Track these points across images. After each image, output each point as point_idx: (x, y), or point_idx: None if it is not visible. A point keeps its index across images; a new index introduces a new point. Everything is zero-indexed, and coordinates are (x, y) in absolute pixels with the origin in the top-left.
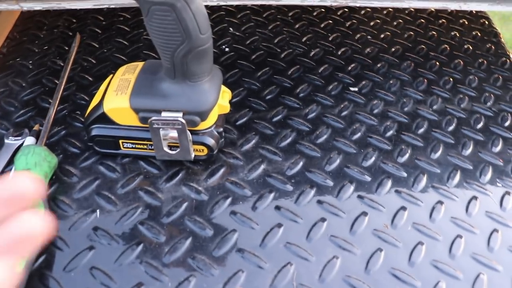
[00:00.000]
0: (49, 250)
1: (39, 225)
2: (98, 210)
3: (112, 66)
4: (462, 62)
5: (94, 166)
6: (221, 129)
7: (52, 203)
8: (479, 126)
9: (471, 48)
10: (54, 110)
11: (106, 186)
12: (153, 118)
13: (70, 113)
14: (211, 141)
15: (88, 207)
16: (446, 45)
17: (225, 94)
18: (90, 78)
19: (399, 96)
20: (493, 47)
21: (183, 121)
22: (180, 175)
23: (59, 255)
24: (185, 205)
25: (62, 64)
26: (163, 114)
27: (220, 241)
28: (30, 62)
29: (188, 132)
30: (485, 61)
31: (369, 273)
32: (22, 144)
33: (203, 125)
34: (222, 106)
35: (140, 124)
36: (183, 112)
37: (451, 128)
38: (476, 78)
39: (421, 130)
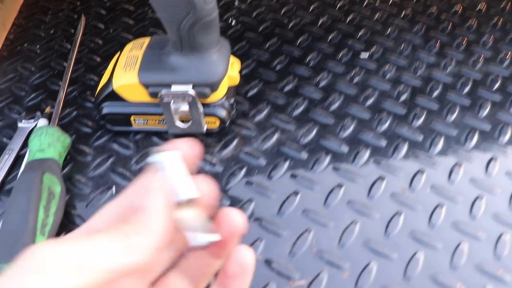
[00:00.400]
0: (67, 229)
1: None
2: (114, 187)
3: (119, 45)
4: (476, 22)
5: (108, 144)
6: (232, 100)
7: (68, 182)
8: (496, 87)
9: (485, 7)
10: (64, 92)
11: (120, 163)
12: (163, 92)
13: (80, 94)
14: (222, 113)
15: (104, 185)
16: (459, 5)
17: (234, 65)
18: (98, 59)
19: (411, 60)
20: (508, 5)
21: (193, 93)
22: None
23: None
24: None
25: (69, 47)
26: (173, 87)
27: None
28: (38, 46)
29: (199, 105)
30: (500, 20)
31: (389, 236)
32: (35, 126)
33: (213, 97)
34: (232, 77)
35: (151, 100)
36: (193, 85)
37: (466, 90)
38: (491, 37)
39: (435, 93)
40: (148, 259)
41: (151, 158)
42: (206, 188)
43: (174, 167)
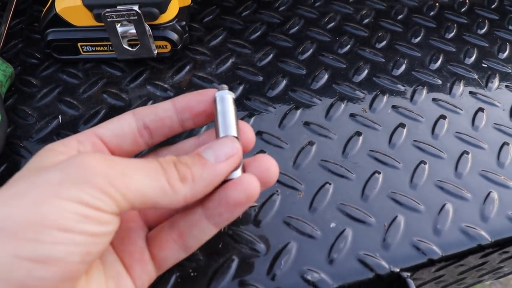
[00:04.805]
0: (11, 159)
1: None
2: (60, 116)
3: None
4: None
5: (55, 75)
6: (184, 23)
7: (12, 113)
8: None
9: None
10: (8, 22)
11: (67, 93)
12: (106, 10)
13: (28, 26)
14: (173, 35)
15: (49, 114)
16: None
17: None
18: None
19: None
20: None
21: (138, 10)
22: (145, 75)
23: (23, 164)
24: (150, 103)
25: None
26: (119, 8)
27: None
28: None
29: (147, 26)
30: None
31: (347, 156)
32: None
33: (163, 18)
34: None
35: (97, 23)
36: (139, 5)
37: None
38: None
39: (400, 16)
40: (179, 205)
41: (218, 93)
42: (245, 131)
43: (226, 106)
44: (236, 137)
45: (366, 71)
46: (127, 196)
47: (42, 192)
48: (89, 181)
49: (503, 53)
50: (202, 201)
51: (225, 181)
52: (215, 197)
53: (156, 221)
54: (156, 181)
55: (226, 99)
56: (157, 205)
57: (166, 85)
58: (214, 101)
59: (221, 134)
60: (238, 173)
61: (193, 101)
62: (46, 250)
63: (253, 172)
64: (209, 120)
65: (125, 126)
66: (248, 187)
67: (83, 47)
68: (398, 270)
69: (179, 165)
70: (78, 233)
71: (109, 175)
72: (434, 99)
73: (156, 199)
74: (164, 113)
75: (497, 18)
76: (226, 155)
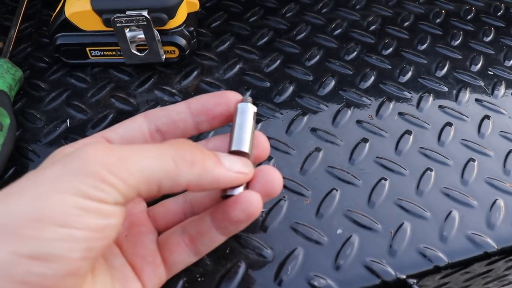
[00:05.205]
0: (19, 162)
1: None
2: (68, 120)
3: None
4: None
5: (64, 79)
6: (192, 28)
7: (21, 116)
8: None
9: None
10: (18, 26)
11: (76, 97)
12: (116, 15)
13: (37, 30)
14: (181, 40)
15: (58, 118)
16: None
17: None
18: None
19: None
20: None
21: (147, 16)
22: (153, 79)
23: (31, 167)
24: (158, 107)
25: None
26: (127, 12)
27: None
28: None
29: (156, 31)
30: None
31: (354, 163)
32: None
33: (171, 24)
34: (191, 2)
35: (106, 28)
36: (148, 10)
37: (438, 20)
38: None
39: (406, 23)
40: (180, 189)
41: (241, 104)
42: (258, 143)
43: (246, 119)
44: (248, 153)
45: (372, 78)
46: (129, 181)
47: (41, 187)
48: (87, 172)
49: (509, 60)
50: (210, 211)
51: (228, 196)
52: (220, 210)
53: (165, 226)
54: (160, 160)
55: (247, 112)
56: (161, 189)
57: (173, 90)
58: (235, 110)
59: (234, 147)
60: (240, 189)
61: (210, 103)
62: (46, 247)
63: (257, 185)
64: (225, 123)
65: (135, 129)
66: (248, 207)
67: (91, 51)
68: (404, 276)
69: (194, 149)
70: (79, 228)
71: (108, 162)
72: (440, 106)
73: (160, 180)
74: (177, 115)
75: (503, 25)
76: (239, 169)
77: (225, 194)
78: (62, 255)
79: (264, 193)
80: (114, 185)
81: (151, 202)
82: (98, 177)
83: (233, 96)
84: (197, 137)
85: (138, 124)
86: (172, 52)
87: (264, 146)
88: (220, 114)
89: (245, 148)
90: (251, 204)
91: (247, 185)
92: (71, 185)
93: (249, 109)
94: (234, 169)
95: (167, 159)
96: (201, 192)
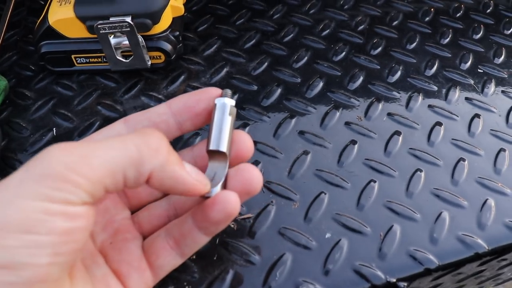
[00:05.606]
0: (5, 173)
1: None
2: (54, 129)
3: None
4: None
5: (50, 87)
6: (177, 33)
7: (7, 126)
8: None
9: None
10: (2, 34)
11: (62, 105)
12: (99, 22)
13: (22, 38)
14: (167, 46)
15: (44, 127)
16: None
17: None
18: (42, 1)
19: None
20: None
21: (131, 22)
22: (139, 85)
23: None
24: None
25: None
26: (111, 19)
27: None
28: None
29: (140, 37)
30: None
31: (343, 165)
32: None
33: (156, 29)
34: (175, 7)
35: (90, 35)
36: (132, 16)
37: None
38: None
39: (395, 23)
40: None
41: (217, 100)
42: (241, 143)
43: (223, 116)
44: (225, 152)
45: (361, 79)
46: (92, 177)
47: (5, 194)
48: (48, 173)
49: (499, 58)
50: (191, 212)
51: (206, 197)
52: (199, 211)
53: (151, 230)
54: (122, 149)
55: (224, 107)
56: (127, 181)
57: (160, 96)
58: (214, 106)
59: (212, 147)
60: (217, 189)
61: (191, 101)
62: (11, 255)
63: (236, 184)
64: (209, 121)
65: (113, 135)
66: (225, 207)
67: (77, 59)
68: (394, 280)
69: (161, 140)
70: (44, 234)
71: (69, 161)
72: (429, 106)
73: (124, 169)
74: (159, 117)
75: (492, 22)
76: (197, 178)
77: (203, 195)
78: (28, 262)
79: (243, 192)
80: (77, 184)
81: (135, 210)
82: (60, 178)
83: (215, 91)
84: (184, 144)
85: (117, 130)
86: (158, 57)
87: (247, 145)
88: (203, 110)
89: (222, 147)
90: (228, 203)
91: (226, 185)
92: (33, 190)
93: (226, 104)
94: (193, 175)
95: (130, 147)
96: (163, 192)
